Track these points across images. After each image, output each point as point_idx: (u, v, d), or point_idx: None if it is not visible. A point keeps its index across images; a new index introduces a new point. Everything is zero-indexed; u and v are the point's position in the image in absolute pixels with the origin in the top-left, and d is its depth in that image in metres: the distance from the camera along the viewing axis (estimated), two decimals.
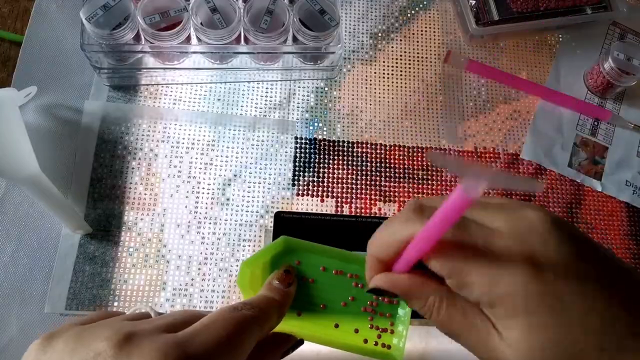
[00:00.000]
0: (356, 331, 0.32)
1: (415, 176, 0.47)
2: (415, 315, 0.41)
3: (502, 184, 0.19)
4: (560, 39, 0.54)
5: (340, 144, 0.47)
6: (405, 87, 0.50)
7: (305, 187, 0.45)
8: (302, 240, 0.32)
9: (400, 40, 0.52)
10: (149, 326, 0.24)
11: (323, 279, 0.32)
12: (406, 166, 0.47)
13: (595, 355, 0.21)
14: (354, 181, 0.46)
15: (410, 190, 0.46)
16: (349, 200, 0.45)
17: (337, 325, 0.32)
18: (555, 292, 0.21)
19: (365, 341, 0.32)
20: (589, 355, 0.21)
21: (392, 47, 0.51)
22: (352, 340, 0.32)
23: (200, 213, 0.43)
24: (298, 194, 0.45)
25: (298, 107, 0.48)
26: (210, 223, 0.43)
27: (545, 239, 0.22)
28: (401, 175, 0.47)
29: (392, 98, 0.50)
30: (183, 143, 0.45)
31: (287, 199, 0.45)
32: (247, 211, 0.44)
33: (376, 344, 0.32)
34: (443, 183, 0.47)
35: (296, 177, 0.46)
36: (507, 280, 0.21)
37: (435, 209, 0.21)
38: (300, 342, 0.32)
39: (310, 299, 0.32)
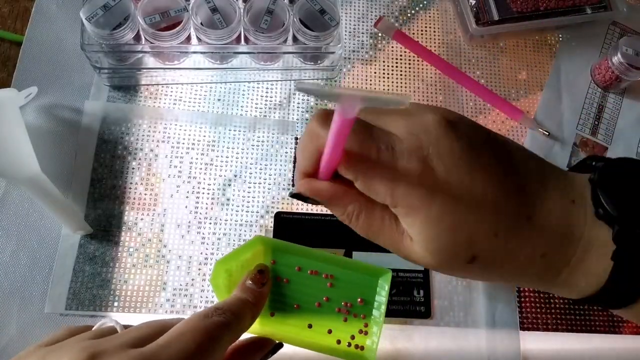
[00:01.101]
0: (329, 332, 0.32)
1: None
2: (403, 314, 0.41)
3: (371, 103, 0.21)
4: (560, 39, 0.54)
5: None
6: (405, 87, 0.50)
7: None
8: (278, 240, 0.32)
9: None
10: (114, 343, 0.24)
11: (298, 279, 0.32)
12: None
13: (489, 241, 0.24)
14: None
15: None
16: None
17: (310, 326, 0.32)
18: (447, 185, 0.24)
19: (339, 342, 0.32)
20: (484, 241, 0.24)
21: (392, 47, 0.51)
22: (325, 341, 0.32)
23: (200, 213, 0.43)
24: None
25: (298, 107, 0.48)
26: (210, 223, 0.43)
27: (438, 137, 0.24)
28: None
29: None
30: (183, 143, 0.45)
31: (287, 199, 0.45)
32: (248, 211, 0.44)
33: (349, 345, 0.32)
34: None
35: None
36: (405, 184, 0.24)
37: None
38: (279, 346, 0.32)
39: (284, 299, 0.32)
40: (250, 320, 0.29)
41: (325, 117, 0.24)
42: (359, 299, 0.32)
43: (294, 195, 0.27)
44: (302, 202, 0.42)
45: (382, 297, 0.32)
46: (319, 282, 0.32)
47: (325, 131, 0.23)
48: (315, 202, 0.27)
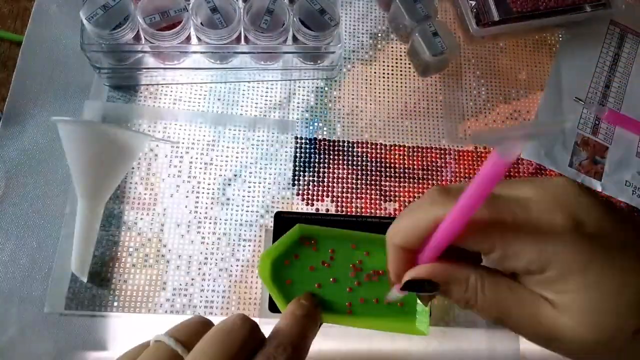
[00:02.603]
0: (376, 301, 0.32)
1: (415, 176, 0.47)
2: None
3: (532, 135, 0.18)
4: (560, 39, 0.54)
5: (340, 143, 0.47)
6: (405, 87, 0.50)
7: (306, 187, 0.45)
8: (317, 227, 0.33)
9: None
10: None
11: (339, 262, 0.33)
12: (406, 166, 0.47)
13: None
14: (354, 181, 0.46)
15: (410, 190, 0.46)
16: (349, 200, 0.45)
17: (353, 305, 0.32)
18: (604, 240, 0.21)
19: (385, 317, 0.32)
20: None
21: (392, 47, 0.51)
22: (372, 318, 0.32)
23: (200, 213, 0.43)
24: (298, 194, 0.45)
25: (298, 107, 0.48)
26: (210, 223, 0.43)
27: (577, 192, 0.22)
28: (401, 175, 0.47)
29: (392, 98, 0.50)
30: (183, 143, 0.45)
31: (287, 198, 0.45)
32: (247, 211, 0.44)
33: (399, 319, 0.32)
34: (443, 183, 0.47)
35: (296, 177, 0.46)
36: (555, 242, 0.21)
37: (461, 190, 0.21)
38: (321, 323, 0.31)
39: (329, 283, 0.32)
40: (312, 340, 0.27)
41: (448, 190, 0.23)
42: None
43: (406, 286, 0.25)
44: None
45: None
46: (359, 262, 0.33)
47: (450, 201, 0.22)
48: (429, 290, 0.24)
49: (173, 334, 0.24)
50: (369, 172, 0.46)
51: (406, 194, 0.46)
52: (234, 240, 0.43)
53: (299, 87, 0.49)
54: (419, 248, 0.24)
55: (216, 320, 0.25)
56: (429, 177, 0.47)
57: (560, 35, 0.54)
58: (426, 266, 0.24)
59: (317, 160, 0.46)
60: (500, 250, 0.22)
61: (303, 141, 0.47)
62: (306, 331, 0.26)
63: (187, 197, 0.44)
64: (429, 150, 0.48)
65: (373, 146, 0.47)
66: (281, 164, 0.46)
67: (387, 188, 0.46)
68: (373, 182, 0.46)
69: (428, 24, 0.47)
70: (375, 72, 0.50)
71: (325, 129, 0.48)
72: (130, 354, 0.24)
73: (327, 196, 0.45)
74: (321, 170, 0.46)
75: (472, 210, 0.21)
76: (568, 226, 0.21)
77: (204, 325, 0.25)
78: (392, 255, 0.25)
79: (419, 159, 0.48)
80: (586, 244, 0.21)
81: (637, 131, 0.52)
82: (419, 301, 0.33)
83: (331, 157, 0.47)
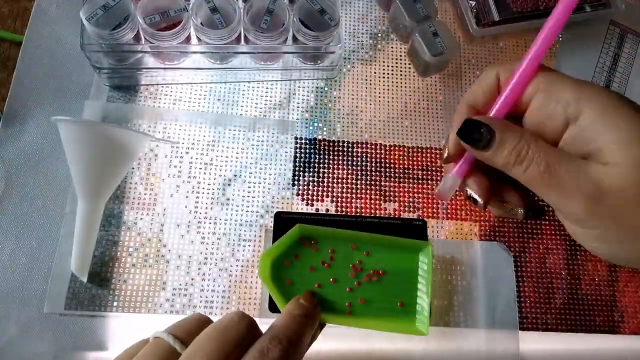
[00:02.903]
0: (375, 310, 0.32)
1: (415, 176, 0.47)
2: None
3: None
4: (560, 39, 0.54)
5: (340, 144, 0.47)
6: (405, 87, 0.50)
7: (305, 187, 0.45)
8: (317, 227, 0.33)
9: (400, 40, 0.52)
10: None
11: (339, 262, 0.33)
12: (406, 166, 0.47)
13: None
14: (354, 181, 0.46)
15: (410, 190, 0.46)
16: (348, 200, 0.45)
17: (353, 305, 0.32)
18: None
19: (385, 316, 0.32)
20: None
21: (392, 47, 0.51)
22: (373, 318, 0.32)
23: (200, 213, 0.43)
24: (298, 194, 0.45)
25: (298, 107, 0.48)
26: (210, 223, 0.43)
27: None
28: (401, 175, 0.47)
29: (392, 98, 0.50)
30: (183, 143, 0.45)
31: (287, 199, 0.45)
32: (247, 211, 0.44)
33: (399, 318, 0.32)
34: None
35: (296, 177, 0.46)
36: (591, 88, 0.25)
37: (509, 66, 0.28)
38: (323, 325, 0.31)
39: (329, 284, 0.32)
40: (309, 339, 0.27)
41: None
42: (402, 275, 0.33)
43: (464, 129, 0.27)
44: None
45: (424, 270, 0.33)
46: (359, 262, 0.33)
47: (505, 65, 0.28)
48: (485, 138, 0.26)
49: (172, 330, 0.24)
50: (368, 173, 0.46)
51: (406, 194, 0.46)
52: (233, 241, 0.43)
53: (299, 87, 0.49)
54: (482, 111, 0.28)
55: (216, 319, 0.25)
56: (429, 177, 0.47)
57: (560, 35, 0.54)
58: (486, 116, 0.28)
59: (317, 160, 0.46)
60: (548, 91, 0.26)
61: (303, 141, 0.47)
62: (304, 330, 0.26)
63: (187, 197, 0.44)
64: (429, 151, 0.48)
65: (373, 146, 0.48)
66: (281, 164, 0.46)
67: (387, 188, 0.46)
68: (373, 182, 0.46)
69: (428, 24, 0.47)
70: (375, 72, 0.50)
71: (325, 129, 0.48)
72: (131, 350, 0.24)
73: (327, 196, 0.45)
74: (321, 170, 0.46)
75: (546, 46, 0.27)
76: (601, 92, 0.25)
77: (203, 322, 0.25)
78: (460, 114, 0.29)
79: (419, 159, 0.48)
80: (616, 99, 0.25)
81: None
82: (418, 302, 0.33)
83: (331, 157, 0.47)
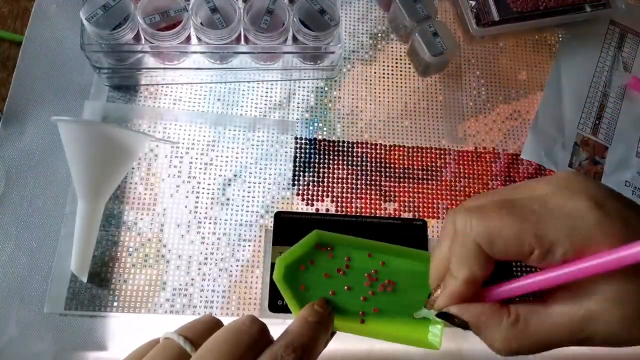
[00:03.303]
0: (388, 321, 0.32)
1: (415, 176, 0.47)
2: None
3: None
4: (560, 39, 0.54)
5: (340, 144, 0.47)
6: (405, 87, 0.50)
7: (305, 187, 0.45)
8: (334, 234, 0.33)
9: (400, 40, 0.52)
10: None
11: (354, 270, 0.33)
12: (406, 166, 0.47)
13: None
14: (354, 181, 0.46)
15: (410, 190, 0.46)
16: (348, 200, 0.45)
17: (366, 314, 0.32)
18: (631, 228, 0.23)
19: (398, 329, 0.32)
20: None
21: (392, 47, 0.51)
22: (386, 329, 0.32)
23: (200, 213, 0.43)
24: (298, 194, 0.45)
25: (298, 107, 0.48)
26: (210, 223, 0.43)
27: (589, 185, 0.24)
28: (401, 175, 0.47)
29: (392, 98, 0.50)
30: (183, 143, 0.45)
31: (287, 199, 0.45)
32: (247, 211, 0.44)
33: (412, 331, 0.32)
34: (443, 183, 0.47)
35: (296, 177, 0.46)
36: (583, 222, 0.23)
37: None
38: (333, 333, 0.31)
39: (342, 291, 0.32)
40: (323, 346, 0.27)
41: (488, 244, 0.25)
42: (416, 286, 0.33)
43: (439, 316, 0.27)
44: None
45: None
46: (374, 271, 0.33)
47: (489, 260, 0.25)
48: (459, 326, 0.26)
49: (183, 332, 0.24)
50: (368, 173, 0.46)
51: (406, 194, 0.46)
52: (233, 241, 0.43)
53: (299, 87, 0.49)
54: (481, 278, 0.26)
55: (228, 322, 0.25)
56: (429, 177, 0.47)
57: (560, 36, 0.54)
58: (462, 306, 0.26)
59: (317, 160, 0.46)
60: (538, 250, 0.23)
61: (303, 141, 0.47)
62: (317, 337, 0.26)
63: (187, 197, 0.44)
64: (428, 151, 0.48)
65: (373, 146, 0.47)
66: (281, 164, 0.46)
67: (387, 188, 0.46)
68: (373, 182, 0.46)
69: (428, 24, 0.47)
70: (375, 72, 0.50)
71: (325, 129, 0.48)
72: (140, 350, 0.24)
73: (327, 196, 0.45)
74: (321, 170, 0.46)
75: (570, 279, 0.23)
76: (591, 207, 0.23)
77: (215, 324, 0.25)
78: (453, 287, 0.26)
79: (419, 159, 0.48)
80: (614, 222, 0.22)
81: None
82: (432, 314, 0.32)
83: (331, 157, 0.47)
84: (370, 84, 0.50)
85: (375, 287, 0.32)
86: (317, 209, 0.45)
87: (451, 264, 0.26)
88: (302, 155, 0.46)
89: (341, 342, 0.41)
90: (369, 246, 0.33)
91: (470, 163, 0.48)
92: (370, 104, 0.49)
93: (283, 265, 0.32)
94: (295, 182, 0.45)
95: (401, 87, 0.50)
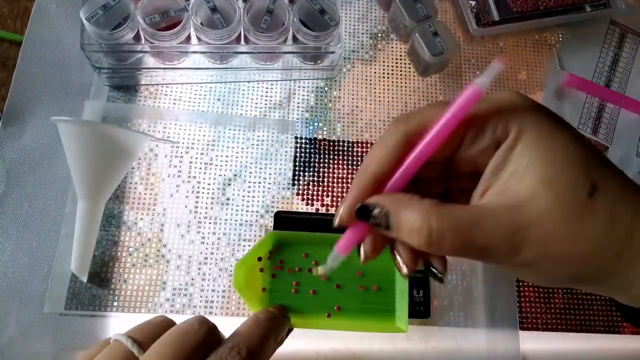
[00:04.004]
0: (353, 310, 0.32)
1: None
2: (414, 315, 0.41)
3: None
4: (560, 39, 0.54)
5: (340, 143, 0.47)
6: (405, 87, 0.50)
7: (305, 187, 0.45)
8: (290, 232, 0.33)
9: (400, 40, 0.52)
10: None
11: (311, 266, 0.33)
12: None
13: (605, 169, 0.22)
14: None
15: None
16: None
17: (331, 307, 0.32)
18: (551, 117, 0.23)
19: (365, 316, 0.32)
20: (600, 167, 0.21)
21: (392, 47, 0.51)
22: (352, 319, 0.32)
23: (200, 213, 0.43)
24: (298, 194, 0.45)
25: (298, 106, 0.48)
26: (210, 223, 0.43)
27: (527, 102, 0.23)
28: None
29: (392, 98, 0.50)
30: (183, 143, 0.45)
31: (287, 198, 0.45)
32: (247, 211, 0.44)
33: (378, 317, 0.32)
34: None
35: (296, 177, 0.46)
36: (514, 112, 0.22)
37: (418, 113, 0.23)
38: (290, 329, 0.30)
39: (302, 287, 0.33)
40: (274, 346, 0.26)
41: (406, 116, 0.24)
42: (380, 274, 0.33)
43: (358, 214, 0.23)
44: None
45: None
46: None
47: (409, 122, 0.23)
48: (380, 219, 0.23)
49: (132, 333, 0.24)
50: None
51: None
52: (234, 240, 0.43)
53: (299, 87, 0.49)
54: (385, 180, 0.23)
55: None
56: None
57: (560, 36, 0.54)
58: (377, 196, 0.23)
59: (317, 160, 0.46)
60: (469, 137, 0.23)
61: (303, 141, 0.47)
62: (267, 335, 0.26)
63: (187, 197, 0.44)
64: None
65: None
66: (281, 164, 0.46)
67: None
68: None
69: (428, 24, 0.47)
70: (375, 72, 0.50)
71: (325, 128, 0.48)
72: (91, 352, 0.24)
73: (327, 196, 0.45)
74: (321, 170, 0.46)
75: (448, 131, 0.22)
76: (525, 103, 0.23)
77: (165, 325, 0.25)
78: (360, 184, 0.24)
79: None
80: (541, 113, 0.22)
81: (600, 96, 0.53)
82: (397, 299, 0.33)
83: (331, 157, 0.47)
84: (370, 84, 0.50)
85: (339, 280, 0.33)
86: (317, 209, 0.45)
87: (368, 158, 0.24)
88: (302, 154, 0.46)
89: (342, 341, 0.41)
90: (326, 239, 0.33)
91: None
92: (370, 104, 0.49)
93: (242, 270, 0.32)
94: (295, 182, 0.45)
95: (401, 87, 0.50)
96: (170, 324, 0.25)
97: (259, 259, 0.32)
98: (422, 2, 0.48)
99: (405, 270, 0.24)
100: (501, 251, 0.21)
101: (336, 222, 0.24)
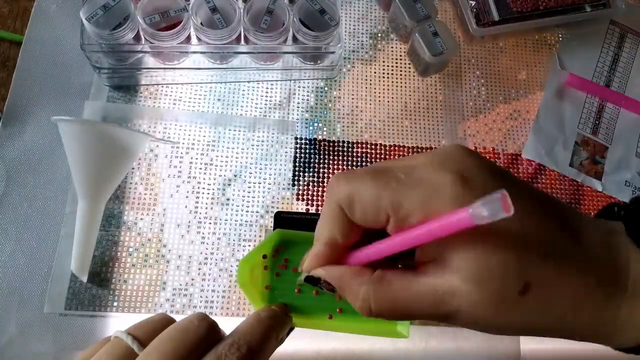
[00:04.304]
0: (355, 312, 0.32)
1: None
2: None
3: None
4: (561, 39, 0.54)
5: (340, 144, 0.47)
6: (405, 87, 0.50)
7: (305, 187, 0.45)
8: (297, 231, 0.32)
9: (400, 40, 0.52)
10: None
11: None
12: None
13: (541, 263, 0.22)
14: None
15: None
16: None
17: (334, 309, 0.32)
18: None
19: (367, 321, 0.32)
20: (535, 261, 0.22)
21: (392, 47, 0.51)
22: (354, 321, 0.32)
23: (200, 213, 0.43)
24: (298, 194, 0.45)
25: (298, 107, 0.48)
26: (210, 223, 0.43)
27: (465, 160, 0.23)
28: None
29: (392, 98, 0.50)
30: (183, 143, 0.45)
31: (287, 199, 0.45)
32: (247, 211, 0.44)
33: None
34: None
35: (296, 178, 0.46)
36: (440, 196, 0.22)
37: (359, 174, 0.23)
38: (292, 328, 0.30)
39: (306, 288, 0.32)
40: (274, 344, 0.26)
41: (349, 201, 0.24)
42: None
43: (307, 280, 0.26)
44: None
45: None
46: None
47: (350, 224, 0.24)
48: (327, 289, 0.25)
49: (132, 331, 0.24)
50: None
51: None
52: (234, 241, 0.43)
53: (299, 87, 0.49)
54: (346, 243, 0.25)
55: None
56: None
57: (560, 36, 0.54)
58: (327, 267, 0.25)
59: (317, 160, 0.46)
60: (393, 218, 0.22)
61: (303, 142, 0.47)
62: (268, 333, 0.26)
63: (187, 197, 0.44)
64: (428, 150, 0.48)
65: (373, 146, 0.47)
66: (281, 165, 0.46)
67: None
68: None
69: (428, 24, 0.47)
70: (375, 72, 0.50)
71: (325, 129, 0.48)
72: (92, 349, 0.24)
73: None
74: (321, 170, 0.46)
75: (418, 242, 0.22)
76: (453, 181, 0.21)
77: (165, 323, 0.25)
78: (316, 249, 0.25)
79: None
80: (473, 197, 0.20)
81: (600, 95, 0.53)
82: None
83: (331, 157, 0.47)
84: (370, 84, 0.50)
85: None
86: (317, 209, 0.45)
87: (317, 226, 0.26)
88: (302, 155, 0.46)
89: (342, 341, 0.41)
90: None
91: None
92: (370, 104, 0.49)
93: (247, 267, 0.31)
94: (295, 182, 0.45)
95: (401, 87, 0.50)
96: (169, 321, 0.25)
97: (264, 256, 0.32)
98: (422, 2, 0.48)
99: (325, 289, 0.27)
100: (432, 321, 0.24)
101: (299, 280, 0.27)
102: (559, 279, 0.22)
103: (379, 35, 0.52)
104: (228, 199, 0.44)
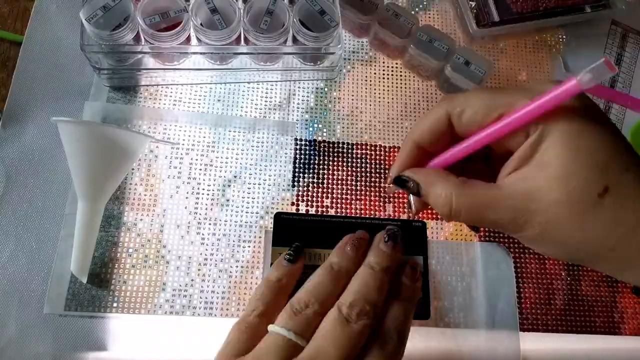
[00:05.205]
0: None
1: None
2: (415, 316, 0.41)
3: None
4: (561, 39, 0.54)
5: (340, 145, 0.47)
6: (405, 87, 0.50)
7: (305, 189, 0.45)
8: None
9: None
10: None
11: None
12: None
13: (621, 174, 0.23)
14: (353, 182, 0.46)
15: None
16: (348, 201, 0.45)
17: None
18: (583, 112, 0.24)
19: None
20: (616, 170, 0.23)
21: None
22: None
23: (200, 214, 0.43)
24: (298, 195, 0.45)
25: (298, 108, 0.48)
26: (210, 224, 0.43)
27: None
28: None
29: (392, 99, 0.50)
30: (183, 144, 0.45)
31: (287, 200, 0.45)
32: (247, 212, 0.44)
33: None
34: None
35: (296, 179, 0.46)
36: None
37: (463, 104, 0.26)
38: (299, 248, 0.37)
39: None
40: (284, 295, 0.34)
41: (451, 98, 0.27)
42: None
43: (395, 182, 0.29)
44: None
45: None
46: None
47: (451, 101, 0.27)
48: (413, 189, 0.28)
49: (290, 326, 0.30)
50: (368, 174, 0.46)
51: (405, 195, 0.46)
52: (233, 242, 0.43)
53: (299, 88, 0.49)
54: (430, 149, 0.28)
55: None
56: None
57: (560, 36, 0.54)
58: (414, 169, 0.29)
59: (316, 161, 0.46)
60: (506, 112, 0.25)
61: (303, 143, 0.47)
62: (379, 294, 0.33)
63: (187, 198, 0.44)
64: None
65: (373, 148, 0.47)
66: (281, 166, 0.46)
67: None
68: (373, 184, 0.46)
69: (455, 57, 0.47)
70: (375, 73, 0.50)
71: (325, 130, 0.48)
72: (237, 345, 0.31)
73: (327, 198, 0.45)
74: (321, 171, 0.46)
75: (521, 122, 0.24)
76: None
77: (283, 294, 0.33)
78: (404, 151, 0.29)
79: None
80: (573, 111, 0.24)
81: (606, 96, 0.53)
82: None
83: (331, 158, 0.47)
84: (370, 85, 0.50)
85: None
86: (317, 210, 0.45)
87: (411, 129, 0.29)
88: (302, 156, 0.46)
89: None
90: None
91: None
92: (370, 105, 0.49)
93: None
94: (295, 184, 0.45)
95: (401, 88, 0.50)
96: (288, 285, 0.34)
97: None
98: (438, 40, 0.47)
99: (414, 209, 0.31)
100: (507, 228, 0.25)
101: (389, 182, 0.31)
102: (634, 191, 0.23)
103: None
104: (228, 200, 0.44)
